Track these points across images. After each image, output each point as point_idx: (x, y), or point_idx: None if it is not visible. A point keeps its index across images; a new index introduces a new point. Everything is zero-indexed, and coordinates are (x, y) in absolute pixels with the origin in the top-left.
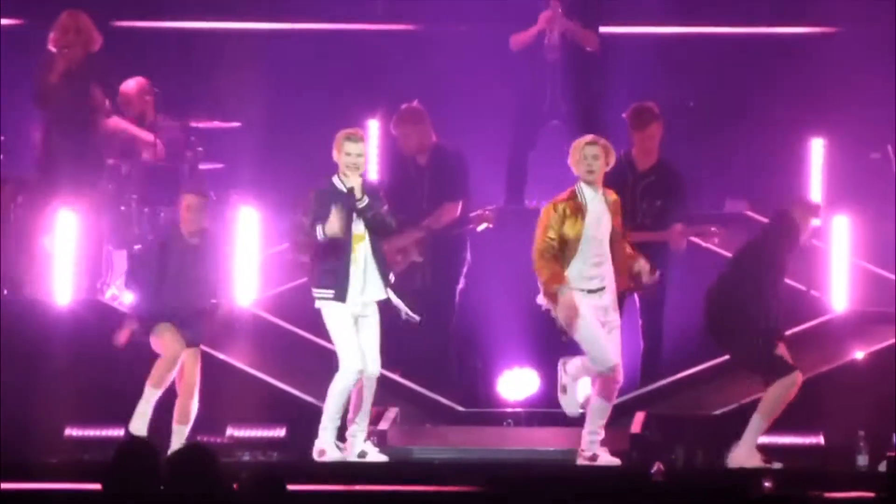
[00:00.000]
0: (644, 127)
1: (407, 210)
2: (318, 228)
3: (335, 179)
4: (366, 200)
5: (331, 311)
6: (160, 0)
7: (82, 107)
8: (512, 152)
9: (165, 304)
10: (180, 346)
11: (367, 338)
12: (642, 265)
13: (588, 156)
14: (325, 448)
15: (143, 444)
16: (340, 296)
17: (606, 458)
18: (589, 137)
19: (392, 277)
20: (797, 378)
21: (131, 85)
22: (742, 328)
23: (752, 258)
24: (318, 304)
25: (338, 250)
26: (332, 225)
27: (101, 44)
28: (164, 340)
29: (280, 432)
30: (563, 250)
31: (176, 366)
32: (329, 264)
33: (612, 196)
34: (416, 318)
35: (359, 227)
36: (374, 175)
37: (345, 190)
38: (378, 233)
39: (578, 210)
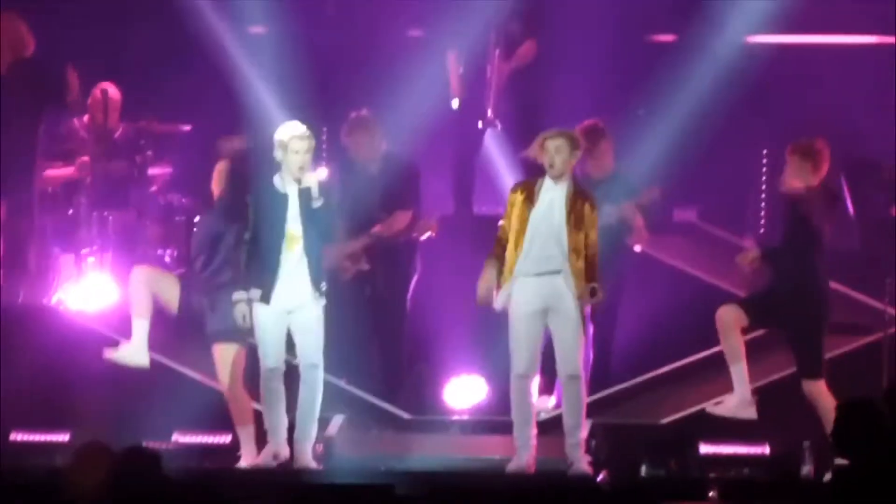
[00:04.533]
0: (594, 145)
1: (358, 218)
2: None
3: (276, 179)
4: (321, 201)
5: (255, 310)
6: (116, 4)
7: (11, 111)
8: (455, 159)
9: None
10: None
11: (301, 329)
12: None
13: (550, 149)
14: (276, 450)
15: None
16: (266, 297)
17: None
18: (552, 131)
19: (324, 286)
20: None
21: (98, 90)
22: None
23: None
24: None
25: (268, 253)
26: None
27: (33, 48)
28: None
29: (226, 439)
30: (514, 237)
31: None
32: (257, 266)
33: (582, 192)
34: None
35: (296, 228)
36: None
37: (284, 192)
38: (324, 236)
39: (530, 197)
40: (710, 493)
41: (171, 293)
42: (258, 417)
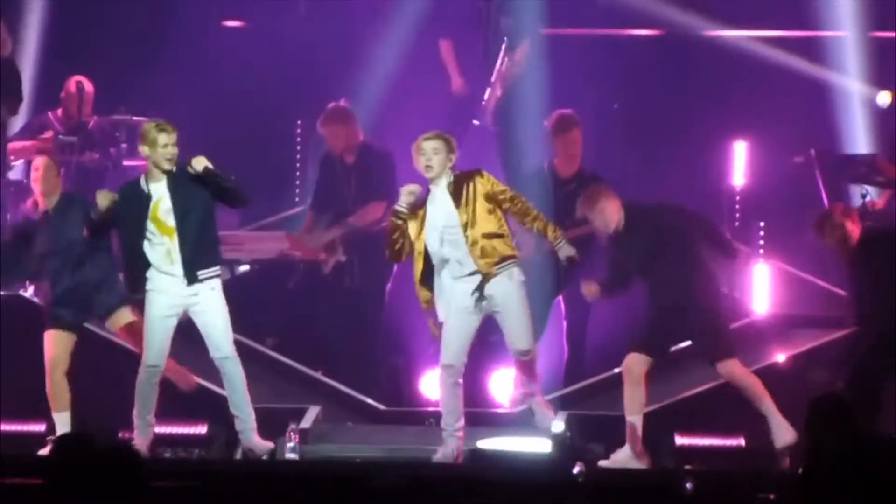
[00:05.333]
0: (566, 131)
1: (334, 209)
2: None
3: (141, 181)
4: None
5: (148, 302)
6: None
7: None
8: None
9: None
10: None
11: (205, 325)
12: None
13: (427, 150)
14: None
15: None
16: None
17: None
18: (429, 133)
19: (205, 273)
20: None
21: (72, 83)
22: None
23: None
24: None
25: (134, 249)
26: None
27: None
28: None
29: (201, 429)
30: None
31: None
32: (127, 267)
33: (471, 182)
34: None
35: (171, 219)
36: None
37: (147, 190)
38: (231, 201)
39: (421, 211)
40: (688, 485)
41: (70, 344)
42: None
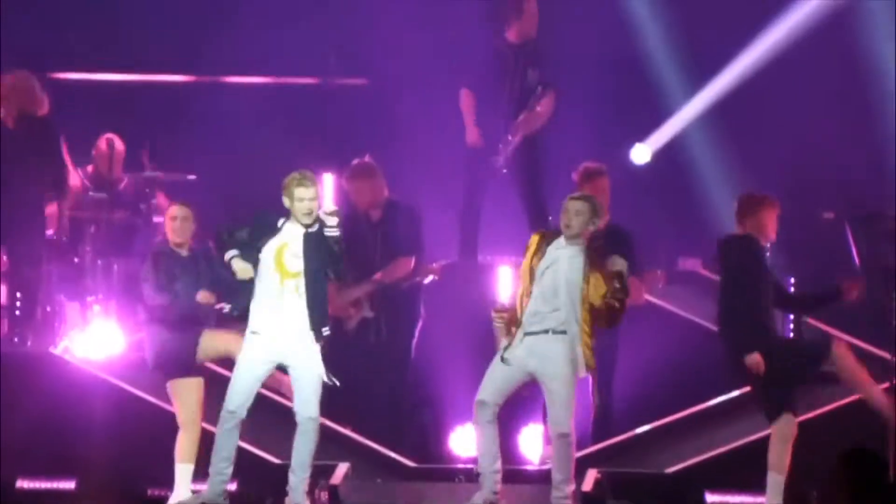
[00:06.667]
0: (593, 180)
1: (360, 265)
2: (228, 254)
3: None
4: (338, 231)
5: (246, 344)
6: (118, 53)
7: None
8: (463, 203)
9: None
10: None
11: (299, 379)
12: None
13: (570, 210)
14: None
15: None
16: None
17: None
18: (577, 194)
19: (326, 331)
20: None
21: (103, 141)
22: None
23: None
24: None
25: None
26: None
27: (47, 109)
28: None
29: (231, 486)
30: (523, 285)
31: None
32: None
33: (592, 262)
34: (335, 382)
35: (296, 264)
36: None
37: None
38: (335, 269)
39: (539, 249)
40: None
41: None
42: None
